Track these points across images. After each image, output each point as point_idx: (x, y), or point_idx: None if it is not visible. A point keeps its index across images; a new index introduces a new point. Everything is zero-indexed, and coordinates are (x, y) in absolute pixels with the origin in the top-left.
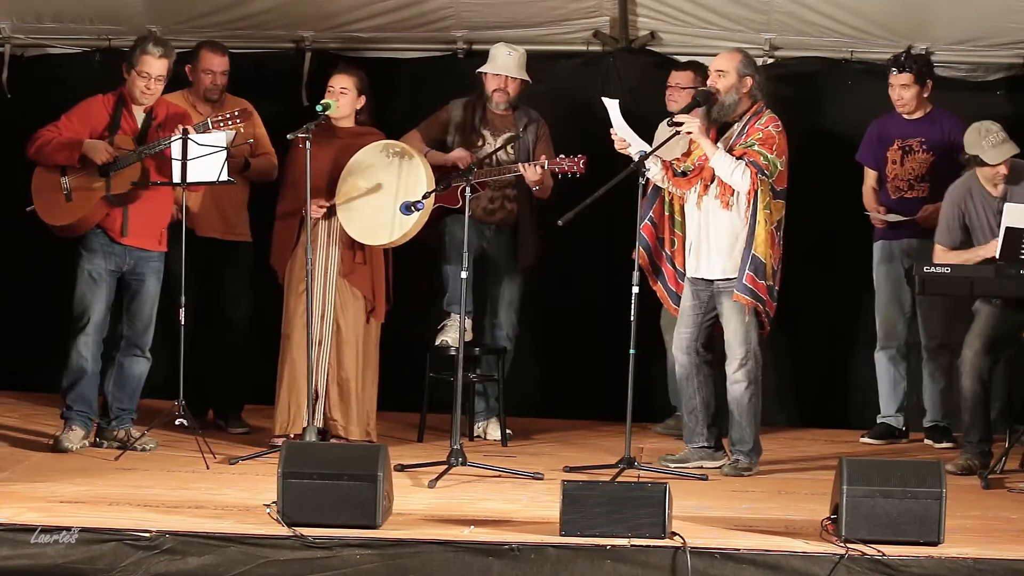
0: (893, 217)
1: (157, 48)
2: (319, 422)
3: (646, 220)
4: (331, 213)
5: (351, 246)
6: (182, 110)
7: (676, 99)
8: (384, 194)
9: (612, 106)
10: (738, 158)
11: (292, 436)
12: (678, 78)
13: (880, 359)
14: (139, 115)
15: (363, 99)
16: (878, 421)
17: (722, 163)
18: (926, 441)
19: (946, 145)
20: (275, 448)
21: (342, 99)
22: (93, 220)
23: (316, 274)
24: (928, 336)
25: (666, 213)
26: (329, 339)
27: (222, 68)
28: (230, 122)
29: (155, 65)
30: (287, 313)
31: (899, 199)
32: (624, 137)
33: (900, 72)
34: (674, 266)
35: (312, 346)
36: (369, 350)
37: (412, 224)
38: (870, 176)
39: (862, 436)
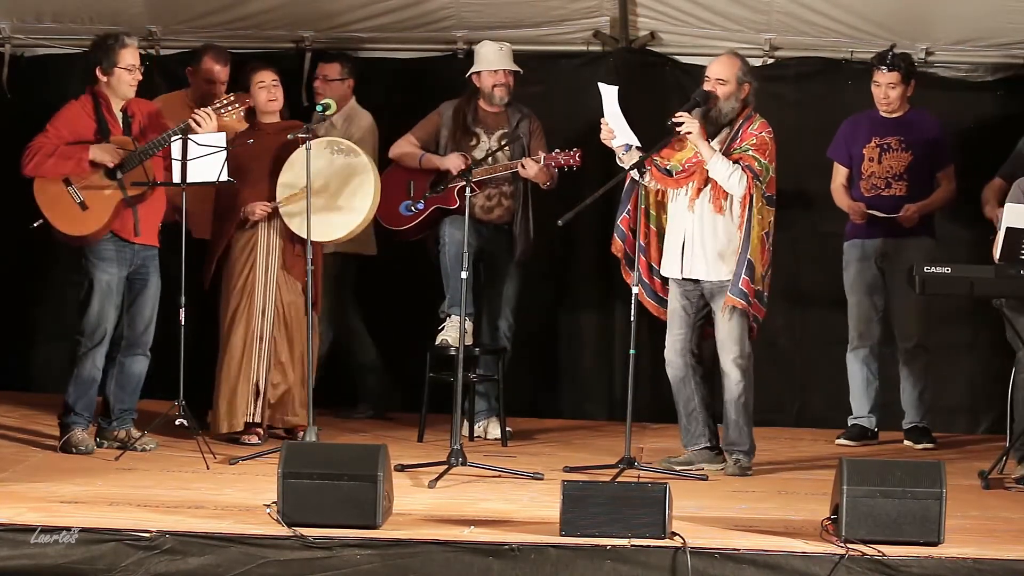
0: (880, 213)
1: (132, 39)
2: (260, 416)
3: (624, 213)
4: (273, 212)
5: (291, 239)
6: (155, 107)
7: (322, 91)
8: (329, 192)
9: (609, 92)
10: (734, 162)
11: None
12: (325, 70)
13: (852, 360)
14: (117, 115)
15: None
16: (850, 423)
17: (719, 167)
18: (905, 442)
19: (925, 144)
20: (251, 443)
21: (277, 92)
22: (111, 225)
23: (258, 272)
24: (904, 337)
25: (641, 206)
26: (269, 334)
27: (223, 78)
28: (229, 107)
29: (136, 55)
30: (229, 313)
31: (875, 196)
32: (613, 128)
33: (889, 71)
34: (648, 260)
35: (254, 342)
36: (305, 339)
37: (358, 223)
38: (840, 173)
39: (837, 438)
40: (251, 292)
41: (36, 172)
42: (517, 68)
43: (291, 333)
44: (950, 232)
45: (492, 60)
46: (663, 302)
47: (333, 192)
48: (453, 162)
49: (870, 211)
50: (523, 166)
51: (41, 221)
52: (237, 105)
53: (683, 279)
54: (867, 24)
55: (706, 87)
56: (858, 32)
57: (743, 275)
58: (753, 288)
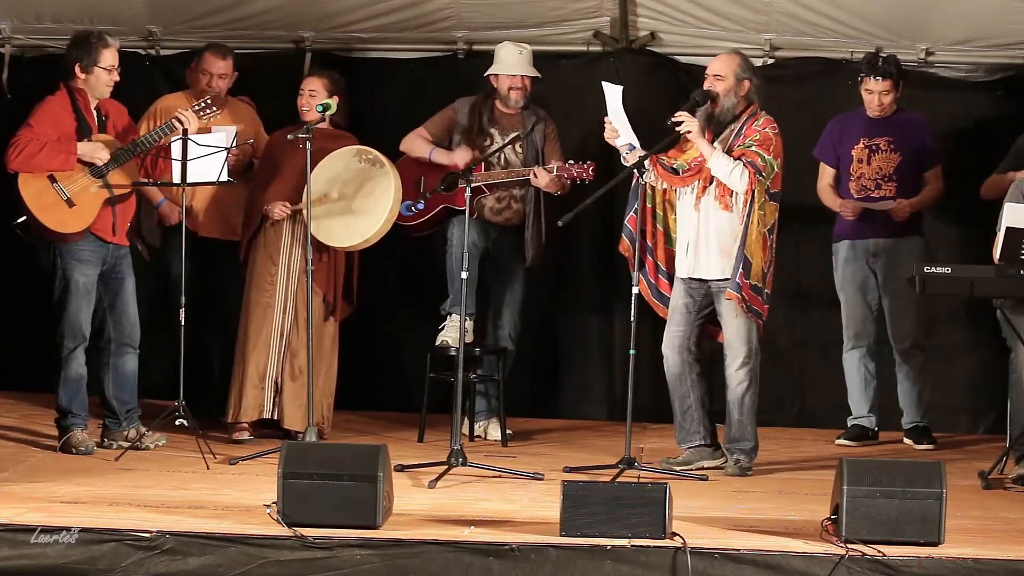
0: (882, 205)
1: (115, 39)
2: (273, 413)
3: (632, 212)
4: (296, 212)
5: (315, 244)
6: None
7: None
8: (349, 200)
9: (613, 92)
10: (736, 159)
11: (246, 424)
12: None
13: (850, 360)
14: (93, 112)
15: (335, 100)
16: (850, 423)
17: (719, 164)
18: (905, 441)
19: (914, 145)
20: (240, 440)
21: (311, 102)
22: (96, 223)
23: (280, 271)
24: (899, 338)
25: (648, 205)
26: (288, 333)
27: (220, 71)
28: (207, 110)
29: (115, 56)
30: (247, 306)
31: (865, 198)
32: (617, 128)
33: (883, 79)
34: (655, 259)
35: (274, 339)
36: (325, 345)
37: (375, 231)
38: (827, 173)
39: (837, 438)
40: (272, 291)
41: (23, 167)
42: (536, 73)
43: (305, 334)
44: (939, 231)
45: (511, 64)
46: (668, 302)
47: (350, 199)
48: (461, 156)
49: (862, 203)
50: (535, 175)
51: (25, 218)
52: (215, 108)
53: (690, 278)
54: (867, 24)
55: (706, 85)
56: (858, 32)
57: (740, 269)
58: (748, 283)
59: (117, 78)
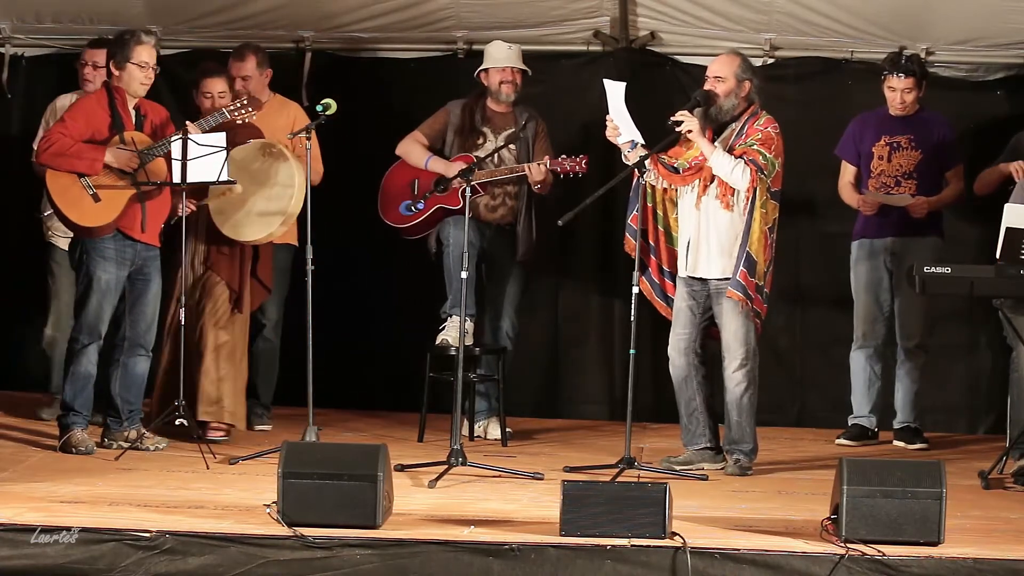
0: (900, 200)
1: (150, 37)
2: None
3: (634, 211)
4: (199, 208)
5: (216, 237)
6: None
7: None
8: (252, 193)
9: (615, 89)
10: (738, 157)
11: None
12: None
13: (857, 358)
14: (131, 111)
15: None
16: (850, 422)
17: (721, 162)
18: (896, 443)
19: (935, 143)
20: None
21: (222, 103)
22: (122, 219)
23: (185, 270)
24: (906, 336)
25: (648, 204)
26: (195, 327)
27: (241, 73)
28: (242, 111)
29: (152, 53)
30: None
31: (885, 195)
32: (618, 125)
33: (906, 76)
34: (658, 260)
35: (182, 338)
36: (235, 338)
37: (277, 225)
38: (848, 171)
39: (837, 438)
40: (179, 291)
41: (50, 163)
42: (525, 67)
43: (219, 330)
44: (958, 231)
45: (500, 58)
46: (672, 302)
47: (260, 193)
48: (458, 168)
49: (883, 199)
50: (528, 169)
51: (51, 211)
52: (250, 109)
53: (691, 277)
54: (867, 24)
55: (706, 87)
56: (858, 32)
57: (741, 268)
58: (753, 282)
59: (152, 76)
